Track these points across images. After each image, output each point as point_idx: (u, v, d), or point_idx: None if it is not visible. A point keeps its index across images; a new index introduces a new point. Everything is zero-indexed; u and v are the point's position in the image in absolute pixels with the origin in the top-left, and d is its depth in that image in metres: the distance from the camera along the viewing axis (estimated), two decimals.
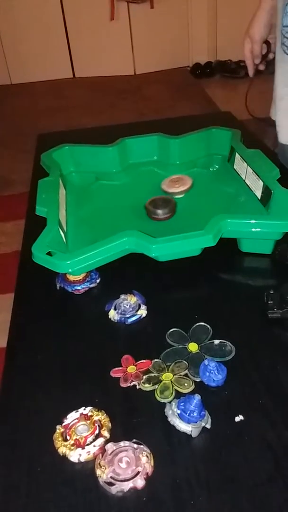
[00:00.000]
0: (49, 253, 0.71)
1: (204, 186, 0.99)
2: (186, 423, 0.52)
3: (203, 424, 0.52)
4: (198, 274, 0.77)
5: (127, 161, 1.08)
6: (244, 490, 0.47)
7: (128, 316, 0.68)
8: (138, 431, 0.53)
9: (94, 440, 0.52)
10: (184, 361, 0.61)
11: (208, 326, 0.66)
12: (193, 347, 0.63)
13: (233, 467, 0.49)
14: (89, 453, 0.51)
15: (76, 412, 0.55)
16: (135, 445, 0.51)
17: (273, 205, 0.82)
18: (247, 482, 0.48)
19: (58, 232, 0.77)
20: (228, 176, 1.00)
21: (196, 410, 0.52)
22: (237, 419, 0.54)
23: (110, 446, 0.51)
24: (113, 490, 0.48)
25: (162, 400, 0.56)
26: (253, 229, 0.74)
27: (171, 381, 0.58)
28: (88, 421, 0.54)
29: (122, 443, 0.51)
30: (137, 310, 0.69)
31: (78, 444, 0.52)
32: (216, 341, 0.63)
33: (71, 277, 0.74)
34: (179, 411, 0.53)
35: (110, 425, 0.54)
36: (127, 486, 0.48)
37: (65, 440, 0.53)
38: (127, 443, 0.51)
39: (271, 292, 0.66)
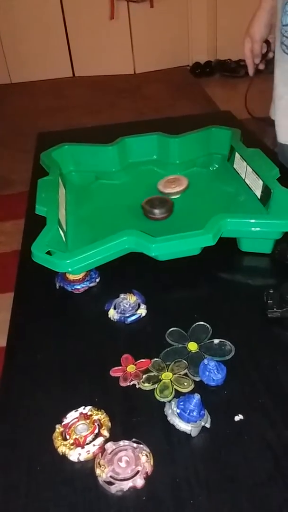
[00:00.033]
0: (48, 252, 0.71)
1: (202, 186, 0.99)
2: (185, 422, 0.52)
3: (203, 423, 0.52)
4: (198, 273, 0.77)
5: (126, 160, 1.08)
6: (243, 490, 0.47)
7: (127, 315, 0.68)
8: (138, 430, 0.53)
9: (93, 439, 0.52)
10: (184, 361, 0.61)
11: (208, 325, 0.65)
12: (192, 346, 0.63)
13: (232, 466, 0.49)
14: (89, 452, 0.51)
15: (75, 411, 0.55)
16: (135, 445, 0.51)
17: (272, 204, 0.82)
18: (246, 482, 0.48)
19: (57, 232, 0.77)
20: (228, 176, 1.00)
21: (195, 409, 0.52)
22: (237, 418, 0.54)
23: (109, 446, 0.51)
24: (113, 489, 0.48)
25: (162, 400, 0.56)
26: (252, 229, 0.74)
27: (171, 381, 0.58)
28: (88, 421, 0.54)
29: (121, 443, 0.51)
30: (136, 310, 0.69)
31: (78, 444, 0.52)
32: (216, 341, 0.63)
33: (71, 276, 0.74)
34: (178, 411, 0.53)
35: (109, 424, 0.54)
36: (126, 485, 0.48)
37: (65, 439, 0.53)
38: (126, 442, 0.51)
39: (271, 291, 0.66)
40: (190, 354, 0.62)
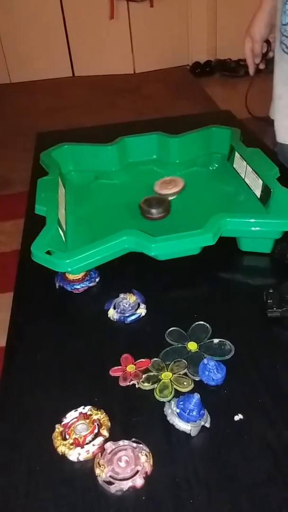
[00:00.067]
0: (48, 252, 0.71)
1: (199, 186, 0.99)
2: (185, 422, 0.52)
3: (202, 423, 0.52)
4: (198, 273, 0.77)
5: (126, 160, 1.08)
6: (243, 489, 0.47)
7: (127, 315, 0.68)
8: (137, 430, 0.53)
9: (93, 439, 0.52)
10: (184, 360, 0.61)
11: (208, 325, 0.65)
12: (192, 346, 0.63)
13: (232, 466, 0.49)
14: (88, 452, 0.51)
15: (75, 411, 0.55)
16: (134, 444, 0.51)
17: (272, 204, 0.82)
18: (246, 481, 0.48)
19: (57, 231, 0.77)
20: (228, 175, 1.00)
21: (195, 409, 0.52)
22: (237, 418, 0.54)
23: (109, 445, 0.51)
24: (112, 489, 0.48)
25: (162, 399, 0.56)
26: (252, 228, 0.74)
27: (171, 380, 0.58)
28: (87, 420, 0.54)
29: (121, 442, 0.51)
30: (136, 309, 0.69)
31: (77, 443, 0.52)
32: (216, 340, 0.63)
33: (71, 276, 0.74)
34: (178, 410, 0.53)
35: (109, 424, 0.54)
36: (126, 485, 0.48)
37: (64, 439, 0.52)
38: (126, 442, 0.51)
39: (271, 291, 0.66)
40: (190, 354, 0.62)
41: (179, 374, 0.59)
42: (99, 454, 0.51)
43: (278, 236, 0.75)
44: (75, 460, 0.51)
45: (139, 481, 0.48)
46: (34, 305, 0.74)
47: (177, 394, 0.56)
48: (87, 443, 0.52)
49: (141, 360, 0.61)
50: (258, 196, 0.88)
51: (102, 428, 0.53)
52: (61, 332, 0.69)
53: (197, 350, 0.62)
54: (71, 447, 0.51)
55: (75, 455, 0.51)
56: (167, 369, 0.60)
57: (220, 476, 0.48)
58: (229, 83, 3.82)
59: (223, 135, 1.05)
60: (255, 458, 0.50)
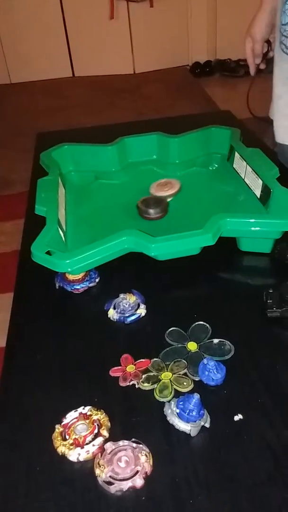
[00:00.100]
0: (48, 252, 0.71)
1: (199, 186, 0.99)
2: (185, 422, 0.52)
3: (202, 423, 0.52)
4: (197, 273, 0.77)
5: (126, 160, 1.08)
6: (243, 489, 0.47)
7: (127, 315, 0.68)
8: (137, 430, 0.53)
9: (93, 439, 0.52)
10: (183, 360, 0.61)
11: (207, 325, 0.65)
12: (192, 346, 0.63)
13: (232, 466, 0.49)
14: (88, 452, 0.51)
15: (75, 411, 0.55)
16: (134, 444, 0.51)
17: (272, 204, 0.82)
18: (246, 481, 0.48)
19: (57, 231, 0.77)
20: (228, 175, 1.00)
21: (195, 409, 0.52)
22: (236, 418, 0.54)
23: (109, 446, 0.51)
24: (112, 489, 0.48)
25: (161, 399, 0.56)
26: (252, 228, 0.74)
27: (170, 380, 0.58)
28: (87, 421, 0.54)
29: (121, 442, 0.51)
30: (136, 309, 0.69)
31: (77, 444, 0.52)
32: (215, 340, 0.63)
33: (70, 276, 0.74)
34: (178, 410, 0.53)
35: (109, 424, 0.54)
36: (126, 485, 0.48)
37: (64, 439, 0.52)
38: (126, 442, 0.51)
39: (270, 291, 0.66)
40: (190, 354, 0.62)
41: (179, 374, 0.59)
42: (99, 454, 0.51)
43: (278, 236, 0.75)
44: (75, 460, 0.51)
45: (139, 481, 0.48)
46: (34, 305, 0.74)
47: (177, 394, 0.56)
48: (87, 444, 0.52)
49: (141, 360, 0.61)
50: (258, 196, 0.88)
51: (102, 428, 0.53)
52: (61, 332, 0.69)
53: (197, 350, 0.62)
54: (71, 447, 0.51)
55: (75, 455, 0.51)
56: (167, 369, 0.60)
57: (220, 476, 0.48)
58: (229, 83, 3.82)
59: (223, 135, 1.05)
60: (255, 458, 0.50)
